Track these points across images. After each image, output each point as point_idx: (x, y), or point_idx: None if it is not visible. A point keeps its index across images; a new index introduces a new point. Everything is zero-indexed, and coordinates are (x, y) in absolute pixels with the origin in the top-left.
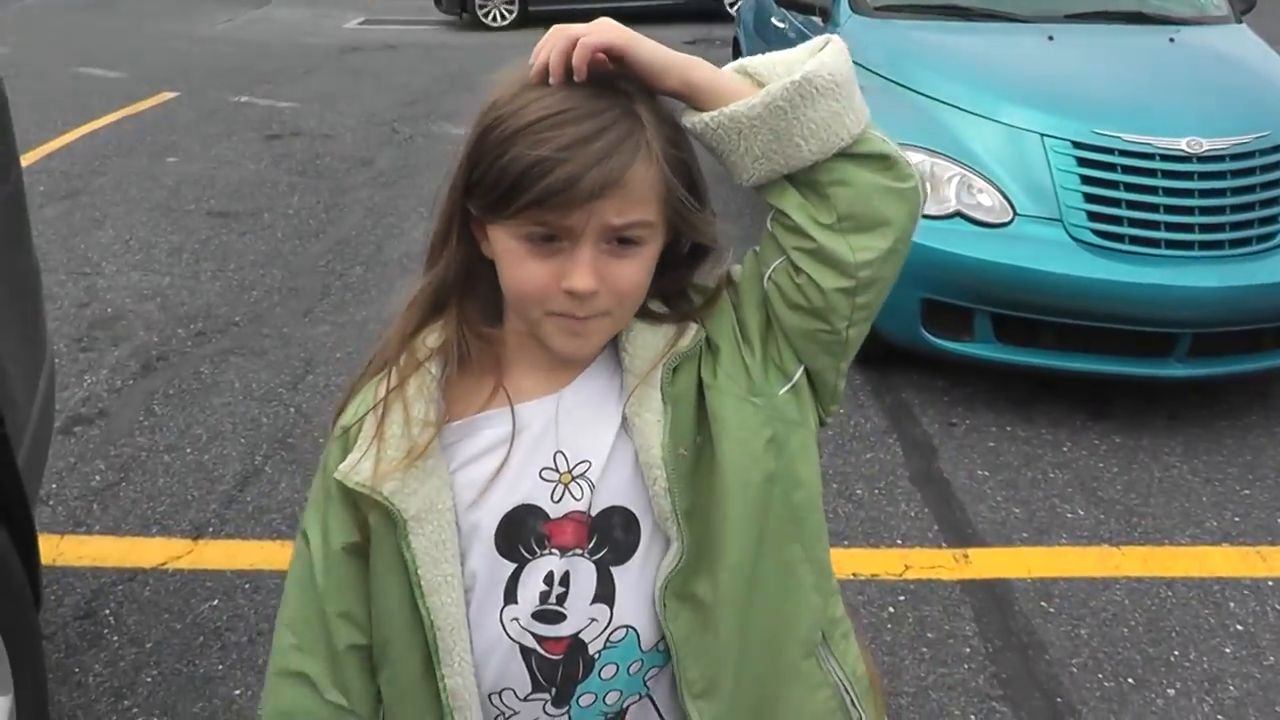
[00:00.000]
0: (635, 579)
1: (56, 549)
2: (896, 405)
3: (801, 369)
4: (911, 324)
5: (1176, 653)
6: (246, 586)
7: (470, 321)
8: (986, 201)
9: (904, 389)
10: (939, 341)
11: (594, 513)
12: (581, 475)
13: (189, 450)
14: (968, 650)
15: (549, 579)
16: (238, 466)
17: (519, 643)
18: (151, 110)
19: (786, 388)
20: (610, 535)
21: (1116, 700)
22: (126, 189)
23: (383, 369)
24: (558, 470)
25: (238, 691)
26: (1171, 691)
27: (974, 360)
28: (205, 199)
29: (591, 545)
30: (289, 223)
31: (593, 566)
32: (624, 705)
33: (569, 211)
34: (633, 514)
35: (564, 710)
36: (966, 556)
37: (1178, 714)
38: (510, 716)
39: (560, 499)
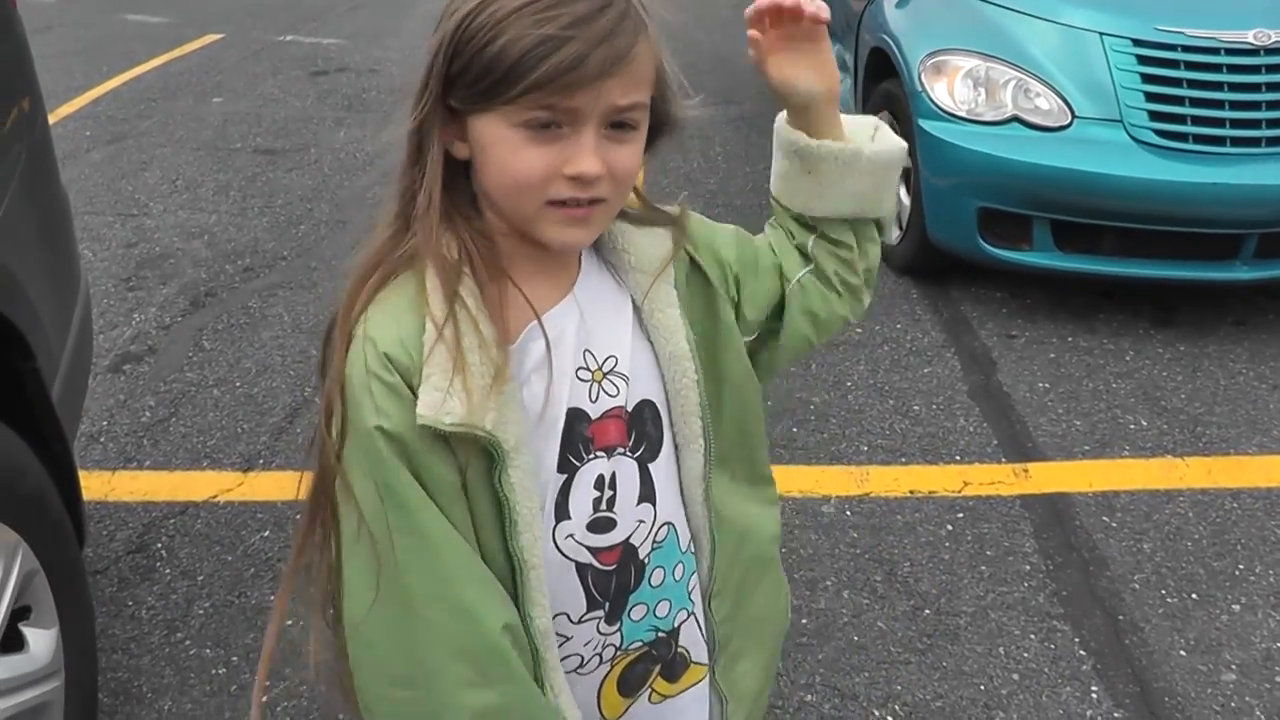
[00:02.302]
0: (666, 474)
1: (108, 485)
2: (954, 318)
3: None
4: (969, 234)
5: (1242, 566)
6: (297, 517)
7: (469, 230)
8: (1044, 105)
9: (962, 301)
10: (997, 251)
11: (630, 408)
12: (612, 371)
13: (238, 384)
14: (1027, 568)
15: (599, 483)
16: (287, 399)
17: (574, 560)
18: (197, 52)
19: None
20: (644, 431)
21: (1180, 616)
22: (172, 130)
23: (379, 286)
24: (589, 369)
25: (289, 622)
26: (1236, 607)
27: (1033, 269)
28: (251, 137)
29: (631, 443)
30: (335, 157)
31: (634, 464)
32: (675, 623)
33: (575, 92)
34: (657, 407)
35: (616, 627)
36: (1026, 471)
37: (1243, 629)
38: (563, 644)
39: (597, 398)
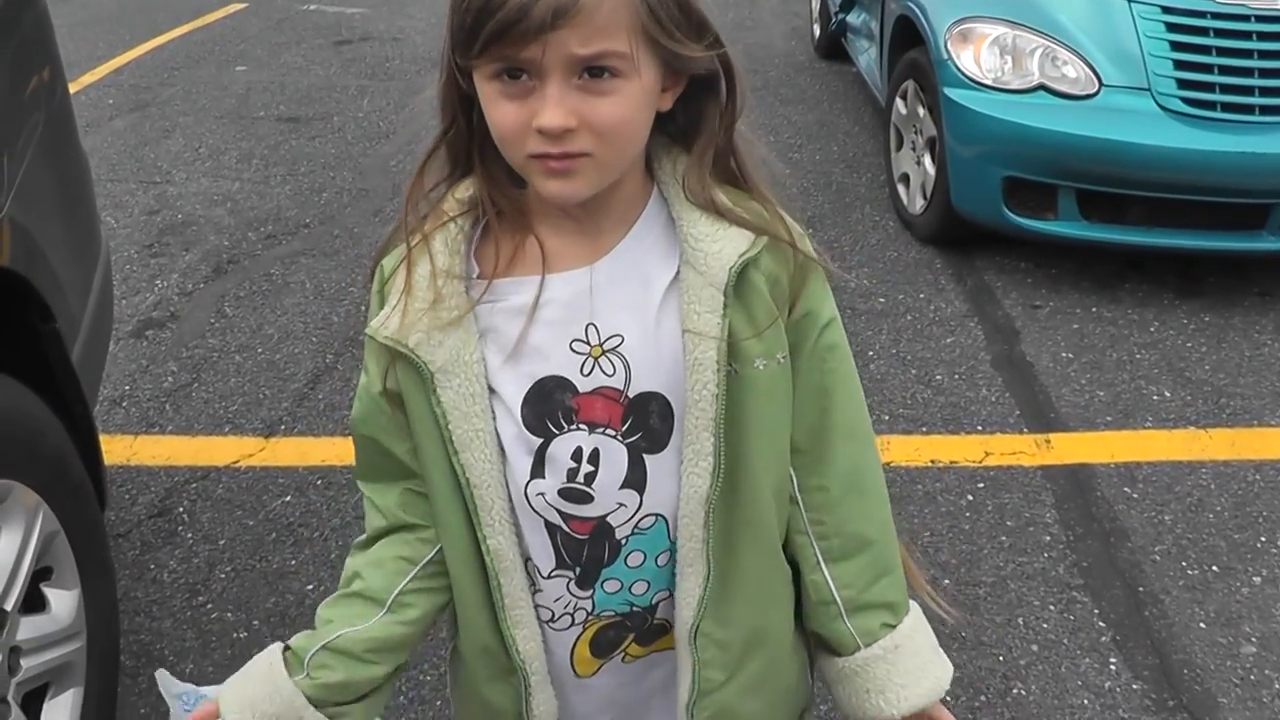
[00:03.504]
0: (668, 468)
1: (130, 449)
2: (978, 288)
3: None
4: (993, 203)
5: (1263, 538)
6: (319, 482)
7: (497, 180)
8: (1071, 73)
9: (986, 271)
10: (1022, 220)
11: (631, 394)
12: (613, 350)
13: (260, 350)
14: (1048, 538)
15: (577, 455)
16: (309, 365)
17: (543, 517)
18: (220, 21)
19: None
20: (646, 421)
21: (1200, 588)
22: (195, 99)
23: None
24: (588, 343)
25: (310, 586)
26: (1258, 579)
27: (1058, 239)
28: (274, 105)
29: (625, 428)
30: (359, 125)
31: (624, 449)
32: (654, 600)
33: (524, 44)
34: (669, 403)
35: (589, 593)
36: (1048, 441)
37: (1263, 602)
38: (536, 591)
39: (590, 372)
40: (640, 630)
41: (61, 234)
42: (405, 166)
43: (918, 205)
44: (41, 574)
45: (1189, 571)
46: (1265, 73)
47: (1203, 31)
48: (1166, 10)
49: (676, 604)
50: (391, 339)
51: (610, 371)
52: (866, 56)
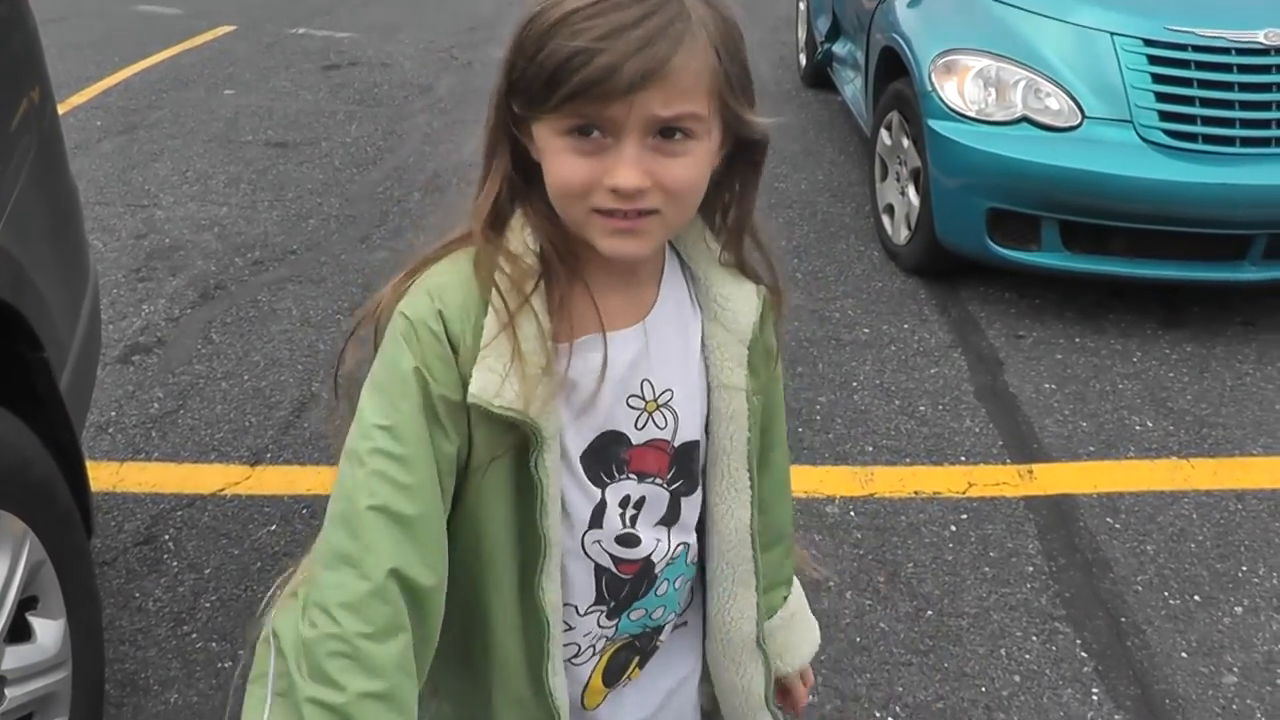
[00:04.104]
0: (695, 504)
1: (116, 476)
2: (962, 318)
3: None
4: (977, 234)
5: (1245, 568)
6: (304, 511)
7: (547, 229)
8: (1054, 105)
9: (970, 301)
10: (1005, 252)
11: (677, 444)
12: (666, 404)
13: (246, 377)
14: (1030, 569)
15: (624, 502)
16: (295, 393)
17: (595, 561)
18: (209, 44)
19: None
20: (689, 468)
21: (1182, 618)
22: (184, 122)
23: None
24: (644, 398)
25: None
26: (1239, 609)
27: (1042, 270)
28: (262, 130)
29: (670, 475)
30: (346, 151)
31: (667, 495)
32: (663, 622)
33: (609, 103)
34: (699, 448)
35: (614, 622)
36: (1031, 472)
37: (1245, 632)
38: (567, 632)
39: (644, 426)
40: (644, 651)
41: (50, 260)
42: (392, 192)
43: (902, 236)
44: (27, 603)
45: (1171, 601)
46: (1246, 105)
47: (1184, 64)
48: (1148, 43)
49: (728, 622)
50: (512, 410)
51: (662, 425)
52: (852, 86)
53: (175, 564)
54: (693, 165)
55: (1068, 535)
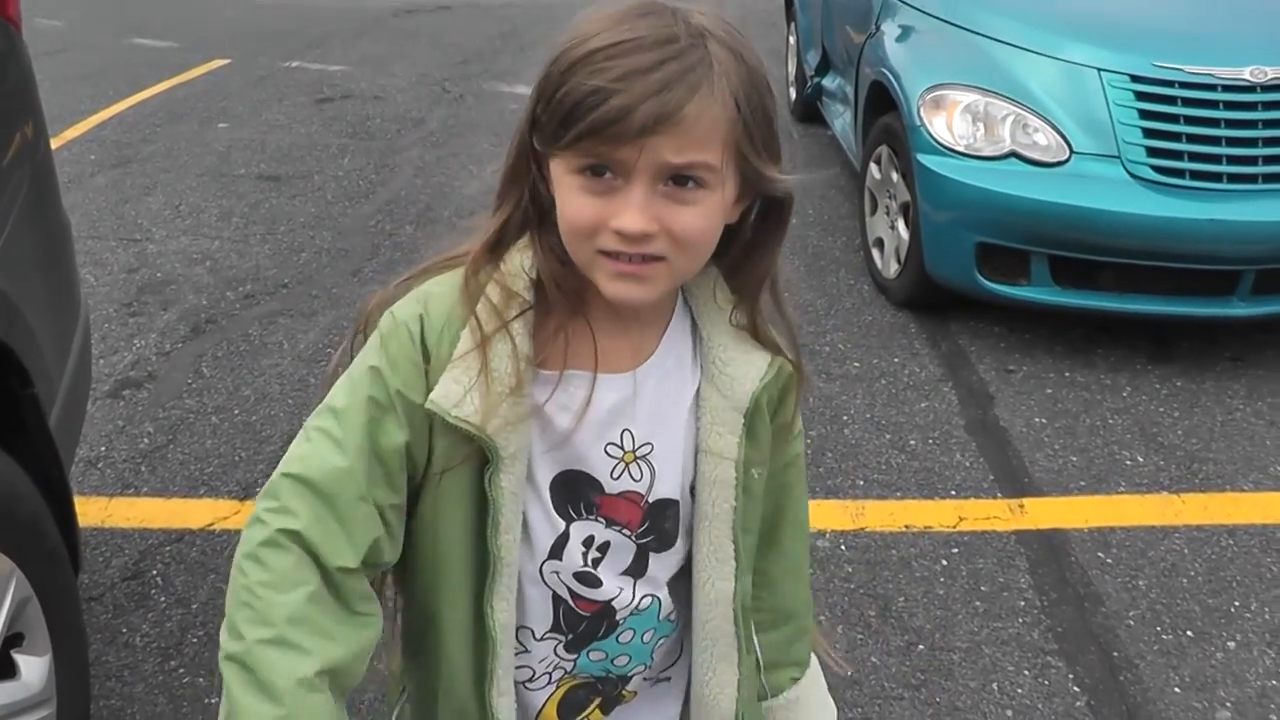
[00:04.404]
0: (668, 562)
1: (105, 511)
2: (952, 352)
3: None
4: (967, 269)
5: (1237, 603)
6: None
7: (553, 262)
8: (1042, 140)
9: (960, 335)
10: (995, 286)
11: (651, 499)
12: (644, 457)
13: (237, 412)
14: (1022, 603)
15: (588, 541)
16: (285, 427)
17: (553, 590)
18: (202, 78)
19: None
20: (661, 526)
21: (1175, 653)
22: (177, 155)
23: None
24: (622, 448)
25: None
26: (1232, 644)
27: (1031, 304)
28: (255, 163)
29: (641, 530)
30: (339, 184)
31: (635, 547)
32: (629, 673)
33: (619, 145)
34: (679, 508)
35: (573, 657)
36: (1022, 507)
37: (1238, 667)
38: (521, 654)
39: (619, 476)
40: (608, 697)
41: (41, 295)
42: (384, 226)
43: (892, 270)
44: (13, 640)
45: (1163, 636)
46: (1232, 141)
47: (1171, 100)
48: (1135, 79)
49: (706, 694)
50: (467, 423)
51: (638, 477)
52: (842, 121)
53: (163, 599)
54: (703, 215)
55: (1059, 570)
